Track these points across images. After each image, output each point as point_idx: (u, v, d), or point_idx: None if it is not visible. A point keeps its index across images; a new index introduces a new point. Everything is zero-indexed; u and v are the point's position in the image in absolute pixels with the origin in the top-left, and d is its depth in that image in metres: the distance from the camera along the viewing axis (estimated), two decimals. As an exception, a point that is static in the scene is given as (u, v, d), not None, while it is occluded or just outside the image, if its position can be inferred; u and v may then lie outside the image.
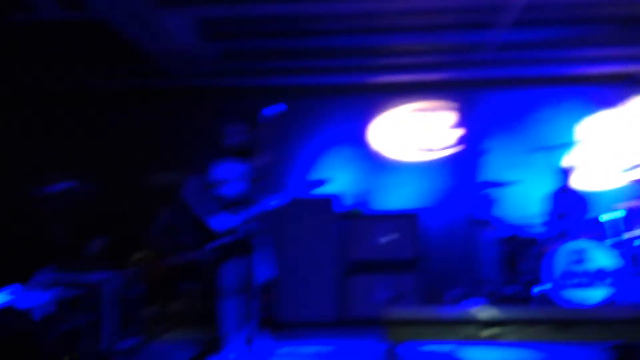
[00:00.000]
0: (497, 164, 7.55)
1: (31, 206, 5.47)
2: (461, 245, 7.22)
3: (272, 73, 7.35)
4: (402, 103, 7.92)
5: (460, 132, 7.84)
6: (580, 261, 6.18)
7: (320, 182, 5.05)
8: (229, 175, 4.63)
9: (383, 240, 6.39)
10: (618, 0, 6.16)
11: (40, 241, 5.16)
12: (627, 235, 6.38)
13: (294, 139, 7.81)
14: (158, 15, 5.61)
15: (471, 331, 3.15)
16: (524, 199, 7.30)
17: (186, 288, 6.38)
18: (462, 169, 7.70)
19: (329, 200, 6.46)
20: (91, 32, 6.28)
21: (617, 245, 6.35)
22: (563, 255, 6.19)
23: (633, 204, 6.55)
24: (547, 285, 6.09)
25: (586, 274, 6.13)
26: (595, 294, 6.07)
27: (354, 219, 6.68)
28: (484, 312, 3.45)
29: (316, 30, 6.79)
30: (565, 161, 7.47)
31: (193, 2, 5.58)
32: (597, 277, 6.11)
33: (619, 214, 6.47)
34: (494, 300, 6.48)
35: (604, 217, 6.46)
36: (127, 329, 5.05)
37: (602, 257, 6.13)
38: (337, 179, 7.70)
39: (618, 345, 3.55)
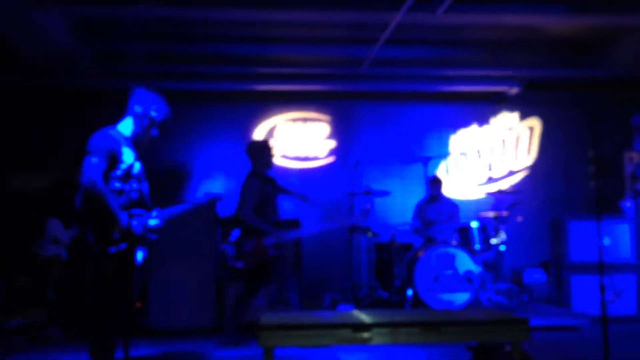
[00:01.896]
0: (372, 174, 7.85)
1: None
2: (338, 251, 7.41)
3: (152, 77, 7.20)
4: (281, 112, 8.05)
5: (336, 142, 8.08)
6: (448, 266, 6.53)
7: (215, 196, 4.93)
8: (135, 171, 3.83)
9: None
10: (484, 25, 6.63)
11: None
12: (490, 242, 6.84)
13: (175, 144, 7.70)
14: (29, 12, 5.34)
15: (345, 334, 3.23)
16: (398, 207, 7.64)
17: (52, 296, 6.08)
18: (339, 178, 7.92)
19: (211, 205, 6.39)
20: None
21: (481, 251, 6.80)
22: (433, 260, 6.52)
23: (495, 213, 7.03)
24: (419, 289, 6.39)
25: (454, 278, 6.50)
26: (461, 297, 6.46)
27: (237, 224, 6.66)
28: (358, 315, 3.57)
29: (198, 35, 6.75)
30: (437, 172, 7.91)
31: (65, 0, 5.37)
32: (464, 281, 6.49)
33: (482, 222, 6.94)
34: (369, 303, 6.71)
35: (471, 225, 6.88)
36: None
37: (468, 263, 6.52)
38: (221, 183, 7.70)
39: (479, 345, 3.79)
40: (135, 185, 3.79)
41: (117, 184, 3.69)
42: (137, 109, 3.84)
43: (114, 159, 3.66)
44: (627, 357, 4.82)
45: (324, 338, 3.22)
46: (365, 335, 3.22)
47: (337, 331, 3.20)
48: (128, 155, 3.75)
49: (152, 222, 3.83)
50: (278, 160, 7.99)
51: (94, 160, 3.57)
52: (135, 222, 3.70)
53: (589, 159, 5.20)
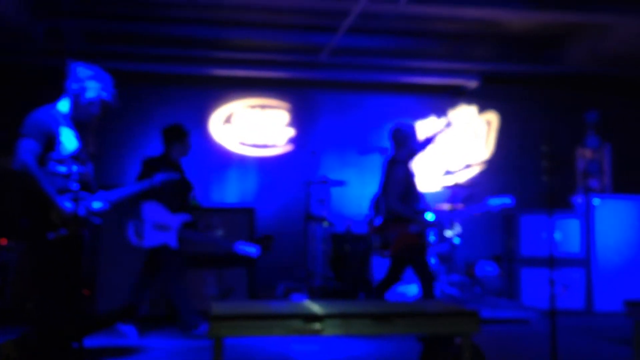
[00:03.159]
0: (329, 163, 7.81)
1: None
2: (294, 240, 7.36)
3: (106, 57, 7.00)
4: (239, 98, 7.93)
5: (295, 130, 8.01)
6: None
7: (167, 177, 4.78)
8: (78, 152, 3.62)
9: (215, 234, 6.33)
10: (446, 17, 6.64)
11: None
12: (445, 234, 6.90)
13: (128, 126, 7.53)
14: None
15: (296, 325, 3.18)
16: (355, 197, 7.63)
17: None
18: (296, 166, 7.86)
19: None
20: None
21: (435, 244, 6.85)
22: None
23: (450, 206, 7.08)
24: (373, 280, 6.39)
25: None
26: (415, 288, 6.48)
27: (190, 212, 6.56)
28: (310, 306, 3.53)
29: (155, 16, 6.59)
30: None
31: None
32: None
33: (438, 214, 6.97)
34: (323, 293, 6.69)
35: (428, 217, 6.91)
36: None
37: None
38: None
39: (429, 336, 3.79)
40: (76, 167, 3.58)
41: (56, 166, 3.50)
42: (73, 86, 3.62)
43: (50, 140, 3.46)
44: (574, 350, 4.92)
45: (274, 329, 3.16)
46: (317, 326, 3.17)
47: (288, 322, 3.14)
48: (67, 136, 3.55)
49: (96, 205, 3.67)
50: (235, 146, 7.89)
51: (27, 142, 3.37)
52: (76, 206, 3.50)
53: (542, 154, 5.26)
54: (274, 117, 8.00)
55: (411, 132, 5.43)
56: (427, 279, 5.24)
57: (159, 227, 5.21)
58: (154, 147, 7.66)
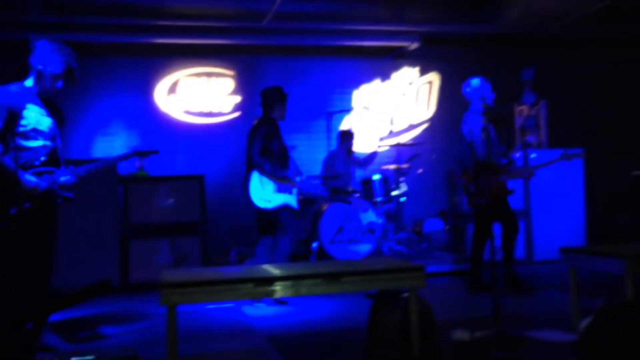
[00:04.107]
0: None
1: None
2: (245, 206, 7.42)
3: (47, 28, 6.82)
4: (184, 67, 7.87)
5: (241, 97, 8.01)
6: (352, 218, 6.72)
7: (141, 150, 4.72)
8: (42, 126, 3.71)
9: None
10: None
11: None
12: (391, 194, 7.09)
13: (70, 98, 7.38)
14: None
15: (248, 289, 3.27)
16: (304, 162, 7.71)
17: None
18: (244, 133, 7.86)
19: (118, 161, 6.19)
20: None
21: (383, 203, 7.04)
22: (337, 213, 6.69)
23: (396, 166, 7.26)
24: (323, 241, 6.56)
25: (357, 229, 6.71)
26: (364, 247, 6.69)
27: (139, 181, 6.56)
28: (261, 269, 3.63)
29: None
30: (341, 126, 8.04)
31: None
32: (366, 232, 6.71)
33: (384, 174, 7.16)
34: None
35: (373, 178, 7.08)
36: None
37: (370, 214, 6.74)
38: (122, 140, 7.51)
39: (378, 292, 3.96)
40: (42, 142, 3.68)
41: (21, 141, 3.60)
42: (36, 62, 3.71)
43: (14, 115, 3.56)
44: (514, 298, 5.21)
45: (226, 294, 3.25)
46: (268, 288, 3.27)
47: (240, 286, 3.22)
48: (32, 111, 3.65)
49: (63, 178, 3.75)
50: (181, 115, 7.85)
51: None
52: (37, 179, 3.58)
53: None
54: (220, 85, 7.98)
55: (480, 85, 5.57)
56: (486, 226, 5.42)
57: (281, 189, 5.38)
58: (97, 118, 7.58)
